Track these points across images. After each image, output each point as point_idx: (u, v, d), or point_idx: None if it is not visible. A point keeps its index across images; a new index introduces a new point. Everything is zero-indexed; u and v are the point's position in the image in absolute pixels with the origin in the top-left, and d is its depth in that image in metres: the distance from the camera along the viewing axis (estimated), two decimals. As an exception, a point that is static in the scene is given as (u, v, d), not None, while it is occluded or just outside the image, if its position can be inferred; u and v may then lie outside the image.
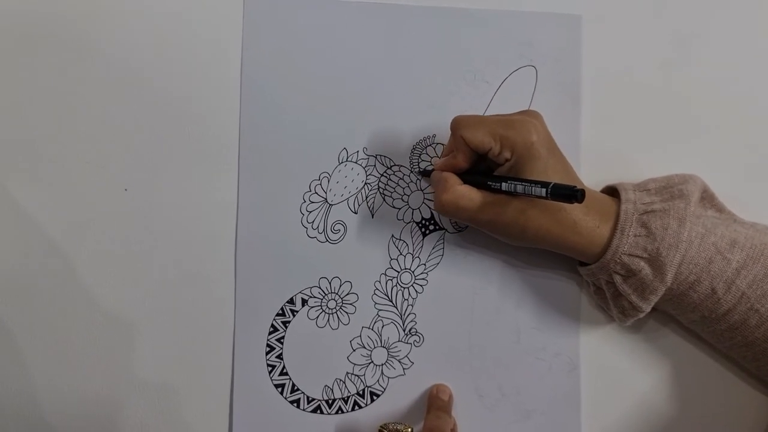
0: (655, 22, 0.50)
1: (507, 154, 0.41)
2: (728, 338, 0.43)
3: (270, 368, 0.47)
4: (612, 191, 0.45)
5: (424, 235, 0.48)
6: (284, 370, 0.47)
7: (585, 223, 0.41)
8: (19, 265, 0.47)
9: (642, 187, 0.44)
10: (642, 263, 0.41)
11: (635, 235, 0.41)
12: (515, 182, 0.40)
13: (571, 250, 0.42)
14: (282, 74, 0.48)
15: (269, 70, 0.48)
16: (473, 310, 0.48)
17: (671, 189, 0.43)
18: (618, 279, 0.42)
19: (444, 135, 0.48)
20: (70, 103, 0.48)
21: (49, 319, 0.47)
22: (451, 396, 0.47)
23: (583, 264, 0.45)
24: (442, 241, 0.48)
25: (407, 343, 0.48)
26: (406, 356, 0.48)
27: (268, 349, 0.47)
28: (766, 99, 0.50)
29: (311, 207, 0.48)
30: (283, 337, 0.47)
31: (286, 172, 0.48)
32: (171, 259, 0.47)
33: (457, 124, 0.42)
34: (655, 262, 0.40)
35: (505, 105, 0.48)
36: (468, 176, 0.43)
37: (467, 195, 0.42)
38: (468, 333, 0.48)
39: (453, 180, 0.43)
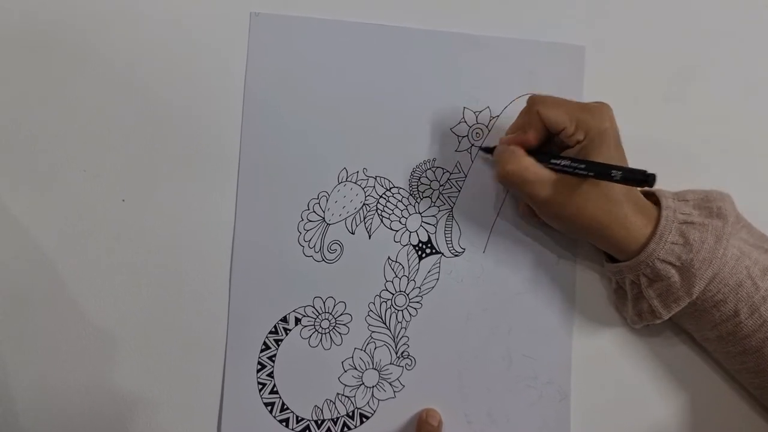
0: (657, 54, 0.50)
1: (580, 137, 0.42)
2: (740, 362, 0.44)
3: (260, 386, 0.47)
4: (647, 195, 0.46)
5: (420, 258, 0.48)
6: (274, 389, 0.47)
7: (634, 219, 0.42)
8: (13, 273, 0.47)
9: (680, 197, 0.44)
10: (672, 270, 0.41)
11: (672, 243, 0.41)
12: (588, 163, 0.41)
13: (612, 243, 0.43)
14: (285, 93, 0.48)
15: (272, 88, 0.48)
16: (466, 336, 0.48)
17: (709, 205, 0.43)
18: (644, 281, 0.43)
19: (444, 158, 0.48)
20: (70, 111, 0.48)
21: (40, 329, 0.47)
22: (440, 421, 0.47)
23: (610, 261, 0.45)
24: (437, 265, 0.48)
25: (399, 365, 0.48)
26: (397, 379, 0.48)
27: (259, 366, 0.47)
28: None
29: (309, 225, 0.48)
30: (274, 356, 0.47)
31: (286, 190, 0.48)
32: (166, 273, 0.47)
33: (536, 102, 0.43)
34: (686, 272, 0.41)
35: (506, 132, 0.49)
36: (535, 154, 0.44)
37: (533, 168, 0.42)
38: (459, 358, 0.48)
39: (520, 152, 0.43)
